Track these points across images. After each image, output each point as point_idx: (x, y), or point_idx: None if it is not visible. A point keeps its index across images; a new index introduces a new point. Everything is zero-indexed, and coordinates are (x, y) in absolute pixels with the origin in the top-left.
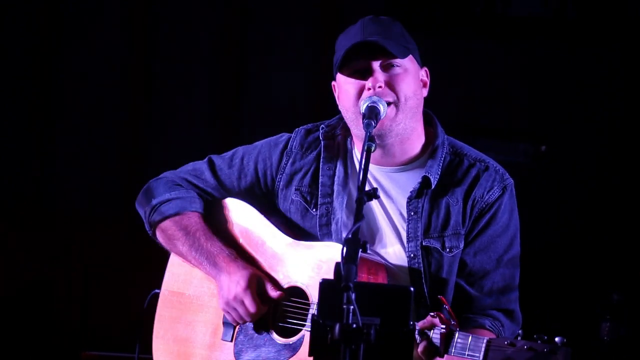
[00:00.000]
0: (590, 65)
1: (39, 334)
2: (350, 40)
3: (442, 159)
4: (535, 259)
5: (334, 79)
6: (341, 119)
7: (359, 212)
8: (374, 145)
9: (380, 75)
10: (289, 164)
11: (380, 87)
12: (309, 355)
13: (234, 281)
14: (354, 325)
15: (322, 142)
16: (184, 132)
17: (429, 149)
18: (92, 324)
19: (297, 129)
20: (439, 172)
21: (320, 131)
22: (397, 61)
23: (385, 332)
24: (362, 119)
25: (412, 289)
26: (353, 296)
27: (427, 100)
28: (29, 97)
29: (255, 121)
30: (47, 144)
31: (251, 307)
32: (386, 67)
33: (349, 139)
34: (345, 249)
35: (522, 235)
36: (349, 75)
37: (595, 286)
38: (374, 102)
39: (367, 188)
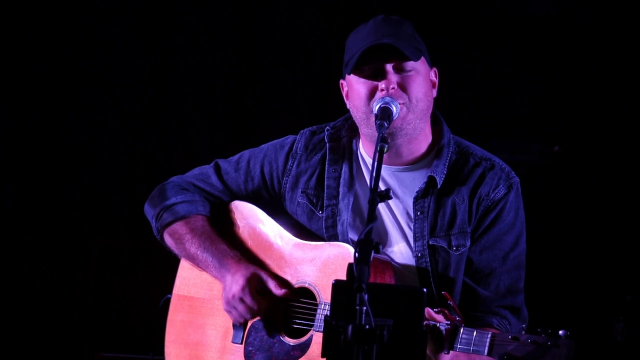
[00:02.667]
0: (599, 65)
1: (53, 335)
2: (363, 41)
3: (448, 158)
4: (547, 258)
5: (343, 78)
6: (346, 119)
7: (372, 212)
8: (386, 146)
9: (393, 77)
10: (294, 166)
11: (393, 88)
12: (322, 356)
13: (234, 280)
14: (367, 326)
15: (327, 144)
16: (196, 131)
17: (435, 149)
18: (106, 325)
19: (301, 131)
20: (445, 172)
21: (326, 133)
22: (410, 63)
23: (398, 333)
24: (375, 120)
25: (424, 290)
26: (366, 297)
27: (440, 100)
28: (46, 100)
29: (265, 119)
30: (64, 143)
31: (251, 303)
32: (398, 69)
33: (354, 141)
34: (357, 249)
35: (536, 235)
36: (361, 75)
37: (609, 286)
38: (386, 103)
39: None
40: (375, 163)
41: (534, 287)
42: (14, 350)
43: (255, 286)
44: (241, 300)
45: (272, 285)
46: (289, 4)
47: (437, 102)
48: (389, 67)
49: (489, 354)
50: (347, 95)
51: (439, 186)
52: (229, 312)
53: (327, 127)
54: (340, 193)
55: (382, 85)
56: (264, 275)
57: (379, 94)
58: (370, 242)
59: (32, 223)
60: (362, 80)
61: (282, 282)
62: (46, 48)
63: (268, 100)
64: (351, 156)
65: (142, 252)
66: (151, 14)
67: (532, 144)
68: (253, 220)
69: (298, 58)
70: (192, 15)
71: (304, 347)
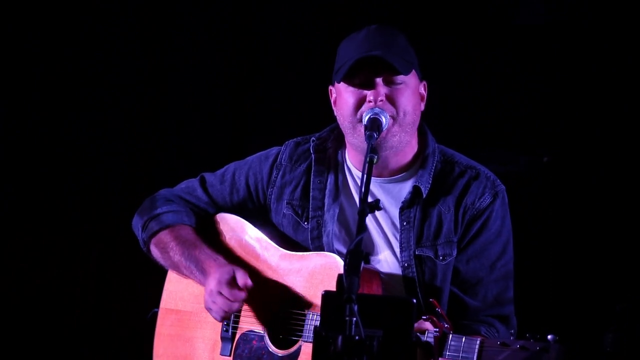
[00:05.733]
0: (589, 77)
1: (52, 336)
2: (355, 50)
3: (433, 167)
4: (537, 269)
5: (332, 84)
6: (332, 130)
7: (361, 223)
8: (376, 157)
9: (382, 89)
10: (279, 177)
11: (381, 100)
12: None
13: (212, 278)
14: (357, 337)
15: (312, 155)
16: (196, 131)
17: (420, 158)
18: (98, 333)
19: (286, 142)
20: (430, 181)
21: (311, 144)
22: (399, 76)
23: (387, 343)
24: (365, 131)
25: (414, 300)
26: (355, 308)
27: (430, 111)
28: (46, 100)
29: (264, 120)
30: (64, 143)
31: (229, 295)
32: (388, 81)
33: (340, 152)
34: (347, 260)
35: (525, 246)
36: (351, 84)
37: (598, 296)
38: (376, 113)
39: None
40: (365, 174)
41: (524, 297)
42: (13, 351)
43: (232, 278)
44: (219, 293)
45: (242, 274)
46: (289, 4)
47: (428, 114)
48: (379, 79)
49: None
50: (334, 102)
51: (424, 196)
52: (209, 309)
53: (313, 138)
54: (326, 204)
55: (370, 96)
56: (240, 269)
57: (366, 105)
58: (360, 253)
59: (32, 223)
60: (351, 89)
61: (267, 294)
62: (46, 48)
63: (268, 101)
64: (337, 167)
65: (141, 252)
66: (151, 14)
67: (521, 154)
68: (239, 231)
69: (298, 59)
70: (192, 15)
71: (293, 358)
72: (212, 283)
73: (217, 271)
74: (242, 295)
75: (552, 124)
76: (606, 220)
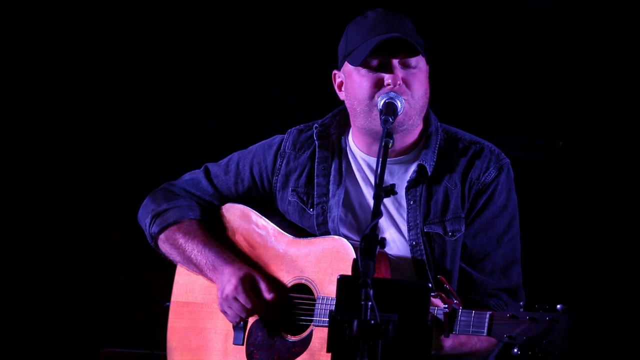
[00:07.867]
0: (602, 60)
1: (58, 332)
2: (368, 33)
3: (437, 145)
4: (550, 254)
5: (338, 68)
6: (334, 116)
7: (377, 208)
8: (391, 141)
9: (399, 72)
10: (283, 165)
11: (399, 84)
12: (328, 351)
13: (227, 280)
14: (372, 322)
15: (316, 142)
16: (197, 130)
17: (423, 137)
18: (111, 321)
19: (289, 130)
20: (435, 159)
21: (314, 131)
22: (413, 60)
23: (403, 328)
24: (380, 115)
25: (430, 284)
26: (371, 292)
27: (443, 96)
28: (46, 99)
29: (265, 118)
30: (64, 143)
31: (245, 301)
32: (403, 64)
33: (343, 137)
34: (362, 245)
35: (539, 230)
36: (365, 67)
37: (610, 282)
38: (391, 98)
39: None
40: (380, 158)
41: (537, 283)
42: (20, 347)
43: (249, 285)
44: (235, 299)
45: (263, 285)
46: (290, 2)
47: (441, 98)
48: (396, 61)
49: (489, 334)
50: (340, 86)
51: (429, 174)
52: (224, 312)
53: (315, 125)
54: (331, 190)
55: (388, 79)
56: (257, 275)
57: (385, 89)
58: (375, 237)
59: (32, 223)
60: (365, 72)
61: (277, 281)
62: (46, 48)
63: (268, 100)
64: (340, 153)
65: (143, 249)
66: (151, 14)
67: (536, 139)
68: (246, 220)
69: (300, 56)
70: (192, 14)
71: (305, 343)
72: (228, 288)
73: (233, 274)
74: (257, 303)
75: (565, 109)
76: (620, 207)
